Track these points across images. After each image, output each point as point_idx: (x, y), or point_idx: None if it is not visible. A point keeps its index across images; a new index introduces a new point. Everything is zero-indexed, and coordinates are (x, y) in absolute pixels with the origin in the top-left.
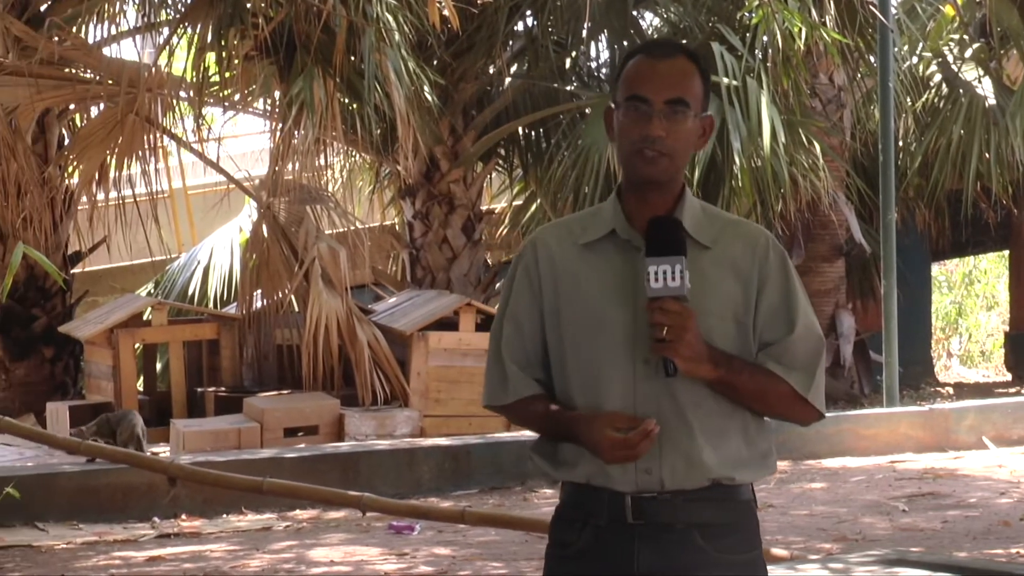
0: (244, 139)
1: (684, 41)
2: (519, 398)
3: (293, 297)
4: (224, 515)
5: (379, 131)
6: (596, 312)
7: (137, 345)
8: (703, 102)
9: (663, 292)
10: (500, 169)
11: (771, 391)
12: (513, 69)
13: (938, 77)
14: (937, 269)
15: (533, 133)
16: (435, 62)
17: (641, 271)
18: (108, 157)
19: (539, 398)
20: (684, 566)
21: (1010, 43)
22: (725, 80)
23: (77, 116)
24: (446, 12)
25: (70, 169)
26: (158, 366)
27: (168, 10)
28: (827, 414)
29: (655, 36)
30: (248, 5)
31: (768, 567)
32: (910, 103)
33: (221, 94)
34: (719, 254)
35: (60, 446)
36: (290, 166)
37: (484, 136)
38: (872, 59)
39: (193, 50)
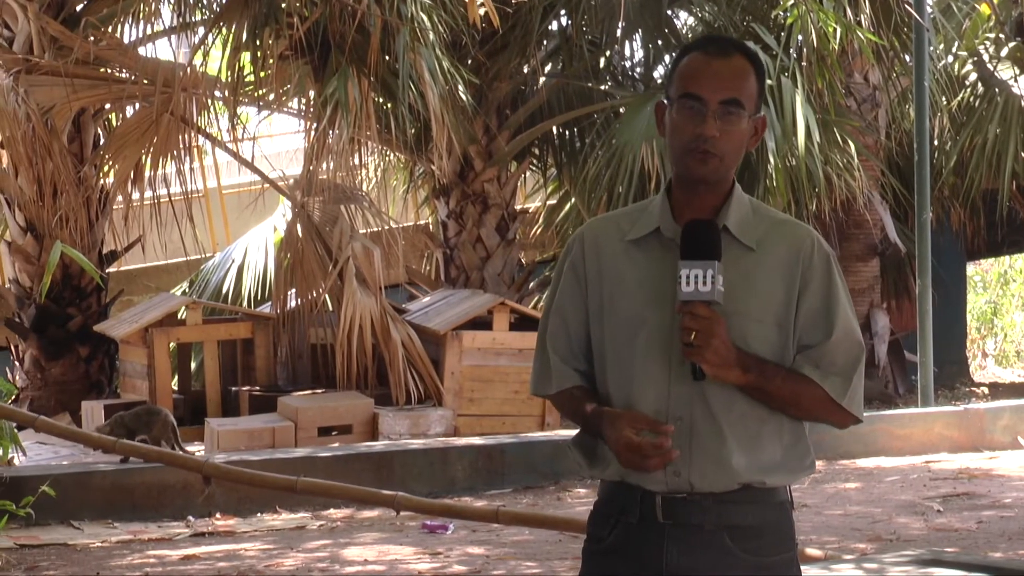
0: (278, 138)
1: None
2: (560, 389)
3: (327, 296)
4: (258, 514)
5: (413, 130)
6: (636, 310)
7: (172, 344)
8: (757, 102)
9: (694, 296)
10: (534, 168)
11: (805, 396)
12: (547, 68)
13: (973, 76)
14: (972, 269)
15: (567, 132)
16: (469, 61)
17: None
18: (143, 156)
19: (579, 389)
20: (712, 567)
21: None
22: None
23: (113, 116)
24: (483, 10)
25: (105, 168)
26: (192, 365)
27: (203, 10)
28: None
29: (689, 35)
30: (283, 5)
31: (802, 567)
32: (945, 102)
33: (256, 94)
34: (763, 256)
35: (95, 445)
36: (324, 165)
37: (518, 135)
38: (907, 58)
39: (228, 50)
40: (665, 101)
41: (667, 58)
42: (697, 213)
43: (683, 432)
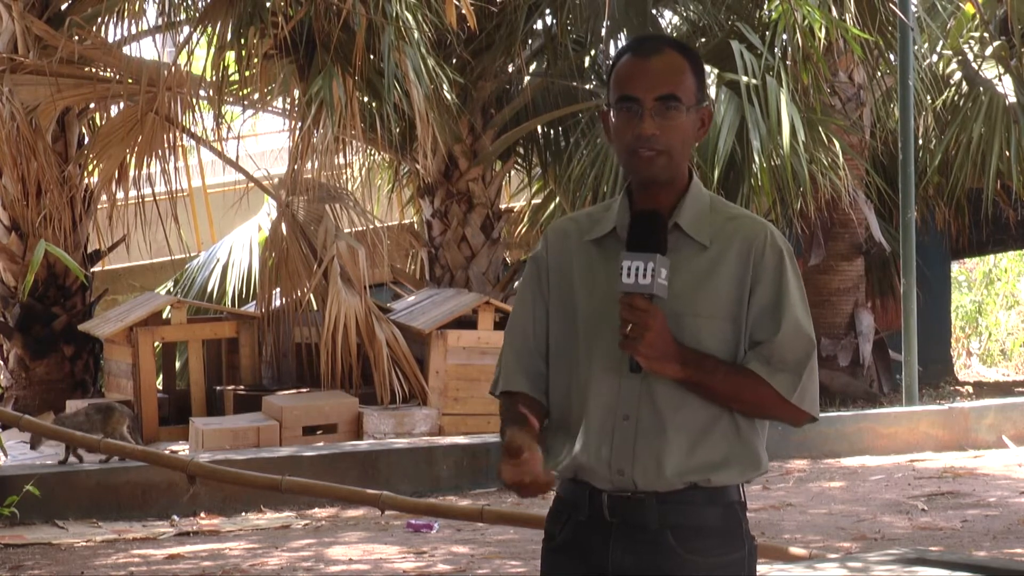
0: (263, 138)
1: (704, 39)
2: (505, 390)
3: (312, 295)
4: (243, 513)
5: (398, 129)
6: (594, 309)
7: (156, 343)
8: (697, 93)
9: (633, 288)
10: (519, 167)
11: (750, 393)
12: (532, 67)
13: (958, 75)
14: (957, 268)
15: (552, 131)
16: (454, 60)
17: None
18: (128, 156)
19: (521, 397)
20: (655, 567)
21: None
22: (744, 78)
23: (97, 115)
24: (463, 11)
25: (90, 168)
26: (177, 364)
27: (187, 9)
28: (847, 413)
29: (675, 34)
30: (267, 4)
31: (786, 566)
32: (930, 101)
33: (240, 93)
34: (716, 253)
35: (80, 444)
36: (309, 164)
37: (503, 134)
38: (892, 57)
39: (212, 49)
40: (607, 108)
41: None
42: None
43: (629, 430)
